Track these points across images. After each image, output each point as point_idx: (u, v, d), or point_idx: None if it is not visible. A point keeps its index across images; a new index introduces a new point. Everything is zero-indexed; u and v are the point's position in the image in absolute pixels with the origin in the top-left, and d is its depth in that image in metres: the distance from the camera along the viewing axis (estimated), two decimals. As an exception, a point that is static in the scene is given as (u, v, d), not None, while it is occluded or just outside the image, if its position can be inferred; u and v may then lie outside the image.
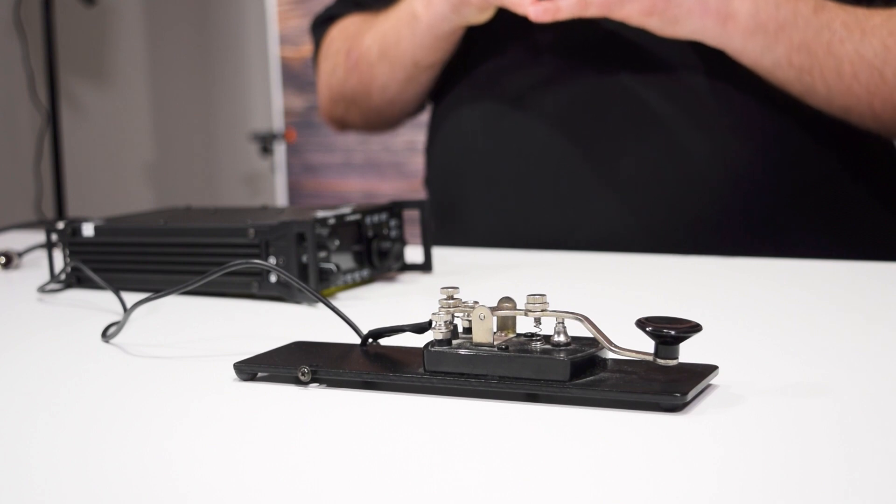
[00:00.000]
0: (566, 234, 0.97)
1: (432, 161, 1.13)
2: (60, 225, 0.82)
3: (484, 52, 1.04)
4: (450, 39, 1.02)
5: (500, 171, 1.02)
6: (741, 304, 0.67)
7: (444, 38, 1.02)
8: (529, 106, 1.00)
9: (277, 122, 2.89)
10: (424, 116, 1.23)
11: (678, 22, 0.88)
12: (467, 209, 1.05)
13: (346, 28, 1.14)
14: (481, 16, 0.96)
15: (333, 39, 1.16)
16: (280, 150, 2.89)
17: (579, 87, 0.98)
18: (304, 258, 0.71)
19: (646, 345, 0.44)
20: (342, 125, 1.23)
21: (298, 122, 2.84)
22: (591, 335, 0.45)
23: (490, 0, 0.92)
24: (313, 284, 0.70)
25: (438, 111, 1.12)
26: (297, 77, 2.82)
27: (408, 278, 0.81)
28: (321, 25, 1.20)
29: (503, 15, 0.95)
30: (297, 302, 0.71)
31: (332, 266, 0.72)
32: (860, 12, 0.88)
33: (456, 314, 0.48)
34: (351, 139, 2.72)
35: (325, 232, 0.72)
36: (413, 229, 0.85)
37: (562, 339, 0.46)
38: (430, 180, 1.14)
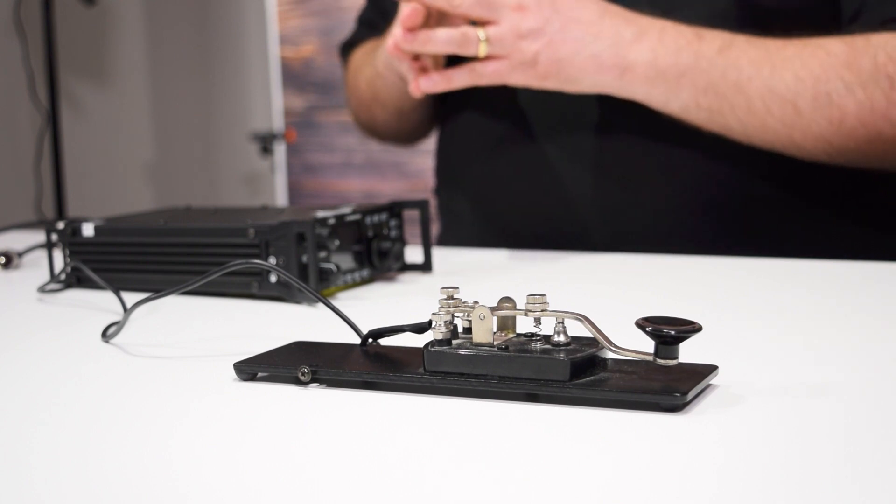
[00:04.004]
0: (571, 235, 0.97)
1: (440, 166, 1.14)
2: (60, 225, 0.82)
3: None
4: None
5: (505, 173, 1.02)
6: (741, 304, 0.67)
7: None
8: (534, 112, 1.00)
9: (277, 122, 2.89)
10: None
11: (576, 81, 0.88)
12: (475, 213, 1.06)
13: (358, 58, 1.19)
14: None
15: (350, 68, 1.21)
16: (280, 150, 2.89)
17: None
18: (304, 258, 0.71)
19: (646, 345, 0.44)
20: (373, 137, 1.28)
21: (298, 122, 2.84)
22: (591, 335, 0.45)
23: (402, 76, 0.97)
24: (313, 284, 0.70)
25: (445, 115, 1.13)
26: (297, 77, 2.82)
27: (408, 278, 0.81)
28: (347, 49, 1.24)
29: None
30: (297, 302, 0.71)
31: (332, 266, 0.72)
32: (772, 45, 0.86)
33: (456, 314, 0.48)
34: (351, 139, 2.72)
35: (325, 232, 0.72)
36: (413, 229, 0.85)
37: (562, 339, 0.46)
38: (438, 189, 1.15)
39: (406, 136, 1.23)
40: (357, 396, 0.47)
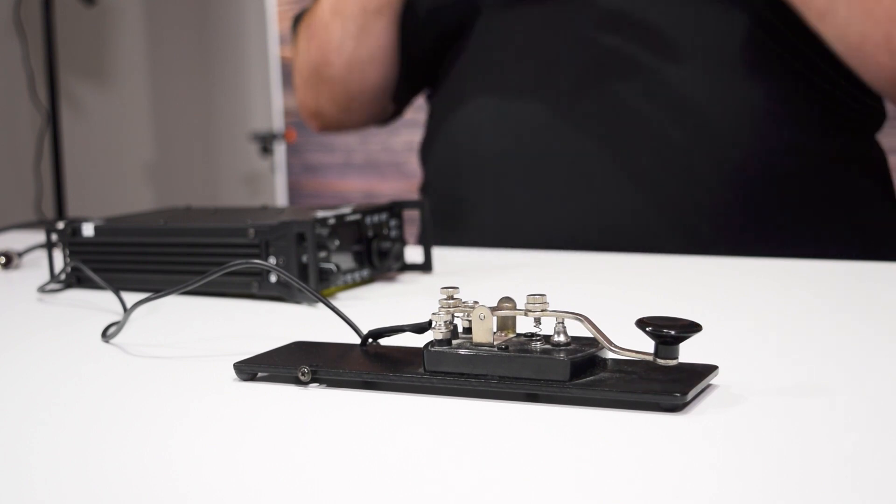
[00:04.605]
0: (569, 233, 0.97)
1: (431, 162, 1.13)
2: (60, 225, 0.82)
3: (480, 46, 1.04)
4: None
5: (501, 170, 1.02)
6: (741, 304, 0.67)
7: None
8: (530, 106, 1.00)
9: (277, 122, 2.89)
10: (422, 116, 1.22)
11: None
12: (471, 210, 1.05)
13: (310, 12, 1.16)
14: None
15: (302, 24, 1.19)
16: (280, 150, 2.89)
17: (580, 90, 0.98)
18: (304, 258, 0.71)
19: (646, 345, 0.44)
20: (318, 117, 1.22)
21: (298, 122, 2.84)
22: (591, 335, 0.45)
23: None
24: (313, 284, 0.70)
25: (435, 110, 1.12)
26: (297, 77, 2.82)
27: (408, 278, 0.81)
28: (298, 21, 1.23)
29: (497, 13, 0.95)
30: (297, 302, 0.71)
31: (332, 266, 0.72)
32: None
33: (456, 314, 0.47)
34: (351, 139, 2.72)
35: (325, 232, 0.72)
36: (413, 229, 0.85)
37: (562, 339, 0.45)
38: (429, 184, 1.13)
39: (359, 73, 1.13)
40: (357, 396, 0.47)
